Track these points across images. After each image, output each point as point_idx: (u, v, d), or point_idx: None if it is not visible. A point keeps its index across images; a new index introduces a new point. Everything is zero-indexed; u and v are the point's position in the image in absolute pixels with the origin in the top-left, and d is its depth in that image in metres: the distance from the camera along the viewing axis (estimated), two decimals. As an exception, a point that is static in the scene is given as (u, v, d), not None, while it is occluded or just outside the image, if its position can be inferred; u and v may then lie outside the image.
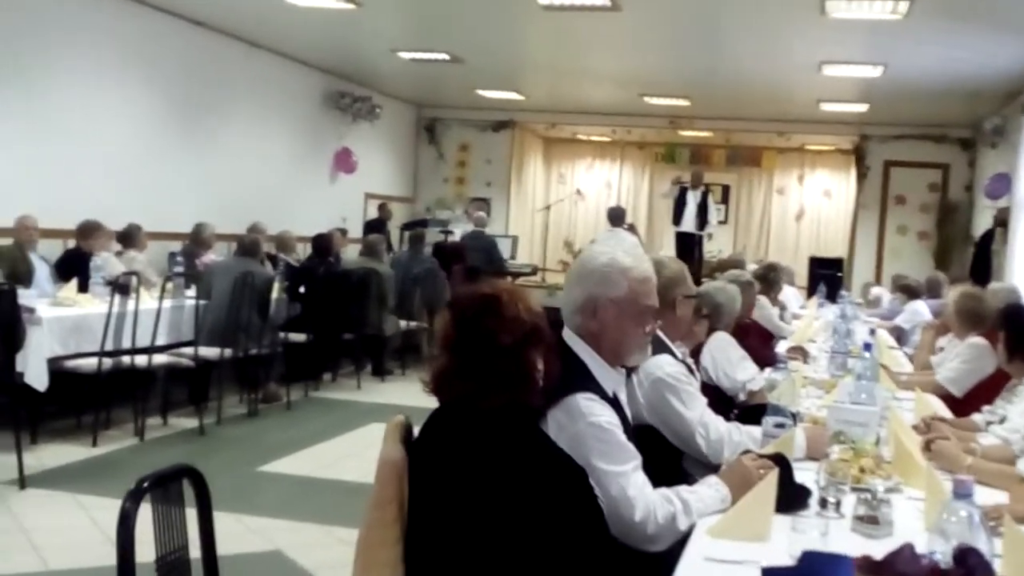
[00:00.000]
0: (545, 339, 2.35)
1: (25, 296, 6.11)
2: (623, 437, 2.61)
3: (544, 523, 2.17)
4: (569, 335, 2.76)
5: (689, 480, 3.26)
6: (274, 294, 8.15)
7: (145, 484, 1.91)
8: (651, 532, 2.52)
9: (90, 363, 6.53)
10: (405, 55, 11.59)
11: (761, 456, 2.83)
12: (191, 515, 2.19)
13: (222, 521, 5.16)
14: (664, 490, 2.61)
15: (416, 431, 2.38)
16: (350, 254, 11.54)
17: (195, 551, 2.23)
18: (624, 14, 8.72)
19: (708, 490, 2.66)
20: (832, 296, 10.61)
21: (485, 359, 2.26)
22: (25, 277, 7.17)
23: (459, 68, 12.19)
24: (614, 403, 2.70)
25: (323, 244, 10.06)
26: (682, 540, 2.49)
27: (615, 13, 8.71)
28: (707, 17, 9.07)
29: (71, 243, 8.20)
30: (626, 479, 2.53)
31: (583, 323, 2.72)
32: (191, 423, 7.29)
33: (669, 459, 3.27)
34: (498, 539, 2.16)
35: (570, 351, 2.72)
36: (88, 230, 7.95)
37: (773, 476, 2.56)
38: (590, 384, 2.65)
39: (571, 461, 2.32)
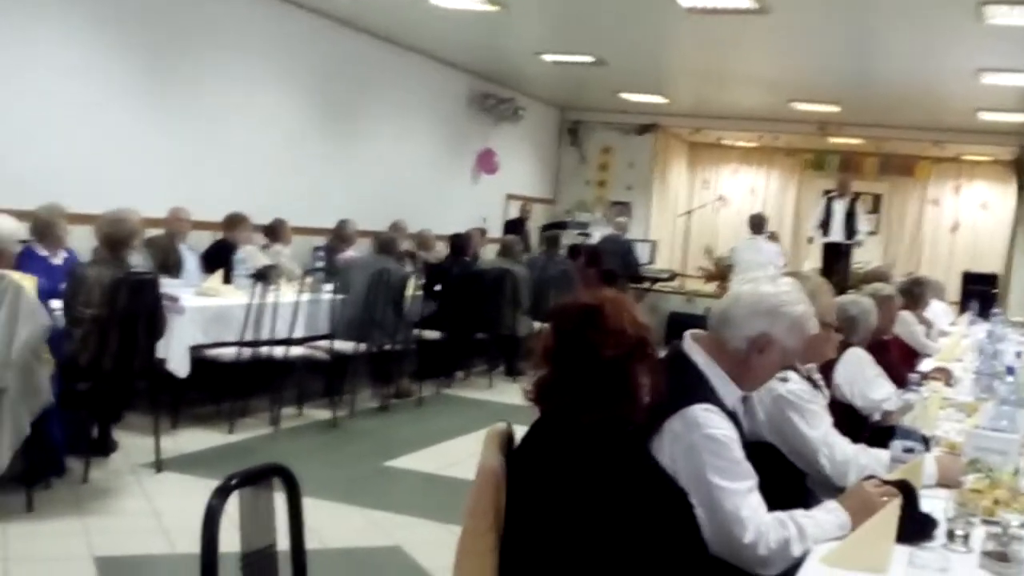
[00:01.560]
0: (651, 354, 2.28)
1: (170, 285, 6.33)
2: (740, 453, 2.53)
3: (639, 543, 2.11)
4: (691, 346, 2.71)
5: (813, 500, 3.15)
6: (409, 291, 8.26)
7: (233, 482, 1.91)
8: (762, 555, 2.43)
9: (230, 352, 6.73)
10: (548, 57, 11.60)
11: (886, 483, 2.69)
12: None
13: (346, 513, 5.32)
14: (780, 513, 2.51)
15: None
16: (489, 254, 11.61)
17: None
18: (771, 16, 8.52)
19: (826, 515, 2.55)
20: (984, 313, 10.13)
21: (586, 372, 2.20)
22: (174, 267, 7.46)
23: (602, 71, 12.13)
24: (732, 418, 2.63)
25: (460, 243, 10.14)
26: (794, 565, 2.39)
27: (762, 16, 8.52)
28: (858, 20, 8.79)
29: (220, 235, 8.47)
30: (741, 498, 2.45)
31: (744, 351, 2.68)
32: (324, 415, 7.44)
33: (790, 478, 3.16)
34: (591, 555, 2.11)
35: (690, 362, 2.68)
36: (233, 222, 8.24)
37: (895, 504, 2.43)
38: (710, 396, 2.59)
39: (671, 481, 2.25)
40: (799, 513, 2.54)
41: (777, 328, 2.68)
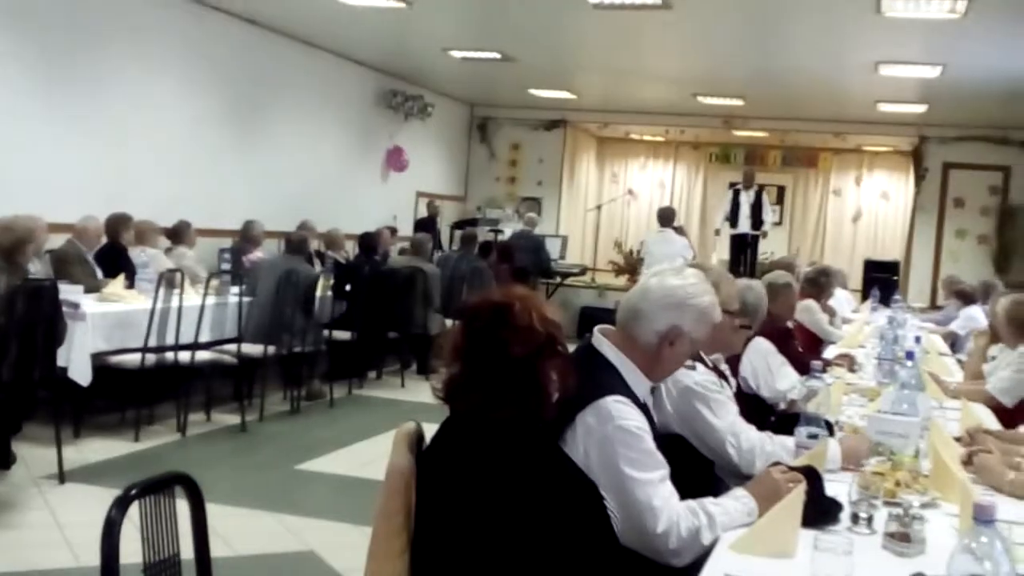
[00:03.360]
0: (560, 351, 2.28)
1: (70, 291, 6.15)
2: (652, 444, 2.56)
3: (551, 537, 2.11)
4: (600, 340, 2.74)
5: (722, 488, 3.18)
6: (319, 292, 8.17)
7: (133, 492, 1.87)
8: (673, 546, 2.45)
9: (134, 358, 6.57)
10: (457, 54, 11.58)
11: (791, 469, 2.74)
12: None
13: (258, 519, 5.23)
14: (690, 502, 2.54)
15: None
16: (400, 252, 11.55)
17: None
18: (675, 12, 8.62)
19: (734, 503, 2.58)
20: (886, 300, 10.40)
21: (496, 370, 2.19)
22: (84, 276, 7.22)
23: (511, 67, 12.15)
24: (643, 410, 2.65)
25: (370, 242, 10.07)
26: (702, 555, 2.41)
27: (666, 11, 8.61)
28: (760, 15, 8.94)
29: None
30: (652, 488, 2.47)
31: (655, 344, 2.70)
32: (233, 419, 7.32)
33: (699, 469, 3.19)
34: (503, 553, 2.11)
35: (600, 356, 2.70)
36: (116, 223, 7.78)
37: (800, 490, 2.47)
38: (621, 388, 2.61)
39: (582, 475, 2.26)
40: (708, 501, 2.57)
41: (686, 320, 2.71)
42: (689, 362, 3.12)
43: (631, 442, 2.49)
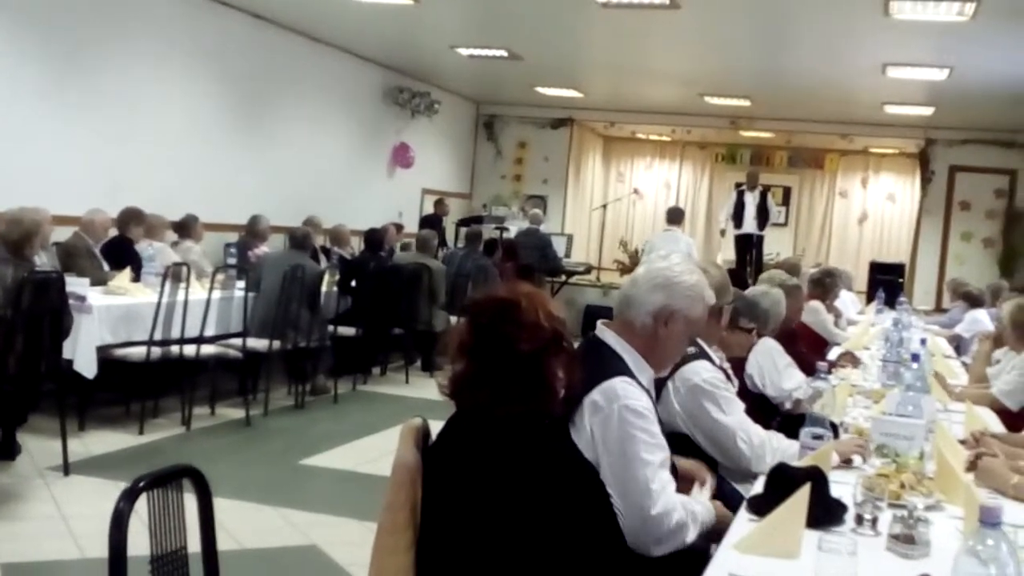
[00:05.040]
0: (566, 347, 2.29)
1: (76, 284, 6.16)
2: (657, 427, 2.60)
3: (557, 533, 2.12)
4: (603, 331, 2.80)
5: (725, 487, 3.20)
6: (324, 287, 8.18)
7: (141, 484, 1.87)
8: (662, 532, 2.49)
9: (139, 352, 6.59)
10: (464, 51, 11.57)
11: (797, 469, 2.75)
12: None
13: (262, 513, 5.24)
14: (681, 496, 2.59)
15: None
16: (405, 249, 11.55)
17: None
18: (683, 12, 8.61)
19: (702, 508, 2.66)
20: (891, 302, 10.38)
21: (502, 366, 2.20)
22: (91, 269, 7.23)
23: (518, 65, 12.14)
24: (647, 394, 2.70)
25: (375, 238, 10.07)
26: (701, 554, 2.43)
27: (674, 11, 8.61)
28: (768, 17, 8.94)
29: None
30: (653, 471, 2.51)
31: (651, 326, 2.75)
32: (238, 414, 7.32)
33: (703, 467, 3.21)
34: (509, 549, 2.11)
35: (604, 345, 2.75)
36: (127, 218, 7.84)
37: (805, 491, 2.48)
38: (627, 371, 2.66)
39: (589, 471, 2.26)
40: (687, 500, 2.62)
41: (676, 298, 2.76)
42: (692, 349, 3.15)
43: (637, 422, 2.54)
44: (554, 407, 2.29)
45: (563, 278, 13.70)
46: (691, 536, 2.50)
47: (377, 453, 6.56)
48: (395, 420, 7.74)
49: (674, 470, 2.70)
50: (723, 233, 14.72)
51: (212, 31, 9.72)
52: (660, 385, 3.15)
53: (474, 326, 2.26)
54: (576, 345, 2.48)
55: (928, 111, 12.96)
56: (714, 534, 2.63)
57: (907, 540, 2.40)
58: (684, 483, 2.81)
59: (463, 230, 12.70)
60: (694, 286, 2.79)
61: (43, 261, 6.25)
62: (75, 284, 6.13)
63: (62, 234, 7.27)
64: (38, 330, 5.26)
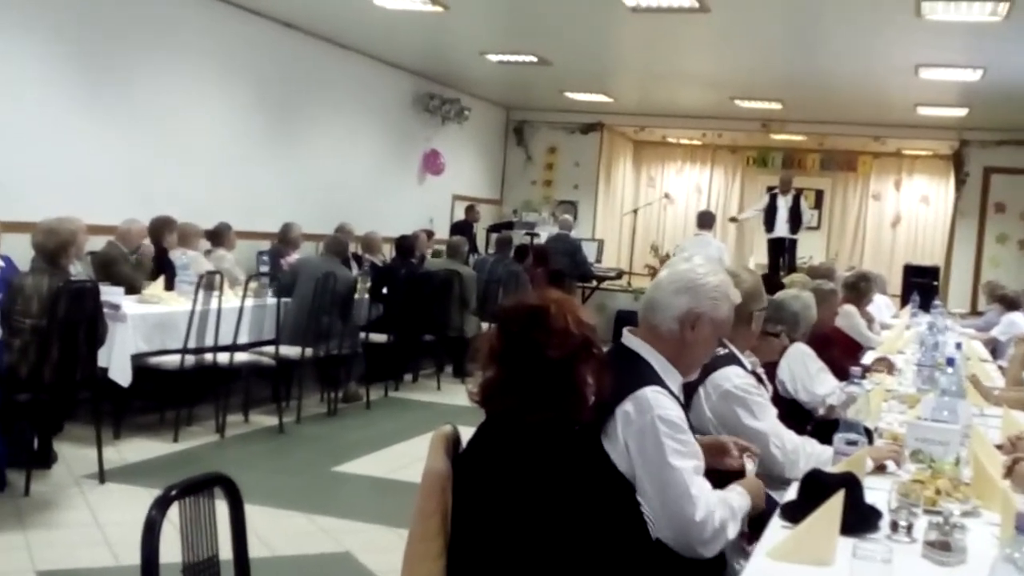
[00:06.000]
0: (596, 353, 2.28)
1: (111, 293, 6.22)
2: (690, 434, 2.59)
3: (587, 542, 2.11)
4: (630, 338, 2.77)
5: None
6: (356, 295, 8.20)
7: (173, 492, 1.88)
8: (708, 535, 2.47)
9: (174, 360, 6.64)
10: (493, 57, 11.59)
11: (831, 475, 2.72)
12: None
13: (294, 520, 5.26)
14: (718, 492, 2.58)
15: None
16: (437, 255, 11.59)
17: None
18: (713, 15, 8.58)
19: (738, 497, 2.64)
20: (926, 306, 10.29)
21: (532, 373, 2.20)
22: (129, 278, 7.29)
23: (547, 70, 12.14)
24: (678, 402, 2.67)
25: (406, 245, 10.09)
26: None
27: (703, 14, 8.58)
28: (799, 18, 8.89)
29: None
30: (690, 477, 2.49)
31: (677, 331, 2.72)
32: (271, 421, 7.36)
33: (734, 474, 3.18)
34: (540, 557, 2.11)
35: (632, 352, 2.73)
36: (159, 226, 7.89)
37: (839, 497, 2.46)
38: (657, 380, 2.64)
39: (618, 478, 2.25)
40: (726, 494, 2.61)
41: (701, 301, 2.73)
42: (721, 350, 3.13)
43: (670, 431, 2.51)
44: (584, 413, 2.28)
45: (594, 283, 13.68)
46: (733, 532, 2.49)
47: (409, 460, 6.58)
48: (427, 427, 7.73)
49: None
50: (733, 220, 14.71)
51: (243, 40, 9.79)
52: (691, 390, 3.14)
53: (504, 333, 2.26)
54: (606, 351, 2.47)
55: (962, 112, 12.83)
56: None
57: (943, 547, 2.37)
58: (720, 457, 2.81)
59: (494, 236, 12.71)
60: (718, 287, 2.76)
61: (78, 270, 6.32)
62: (110, 293, 6.19)
63: (94, 244, 7.34)
64: (74, 339, 5.32)
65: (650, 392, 2.54)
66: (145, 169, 8.63)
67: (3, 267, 6.31)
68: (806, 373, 4.65)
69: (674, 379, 2.72)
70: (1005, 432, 3.84)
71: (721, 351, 3.22)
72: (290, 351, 7.50)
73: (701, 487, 2.50)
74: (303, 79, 10.82)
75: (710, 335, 2.77)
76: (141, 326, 6.47)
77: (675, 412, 2.55)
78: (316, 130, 11.16)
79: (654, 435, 2.48)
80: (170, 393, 6.83)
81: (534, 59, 11.52)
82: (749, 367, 3.40)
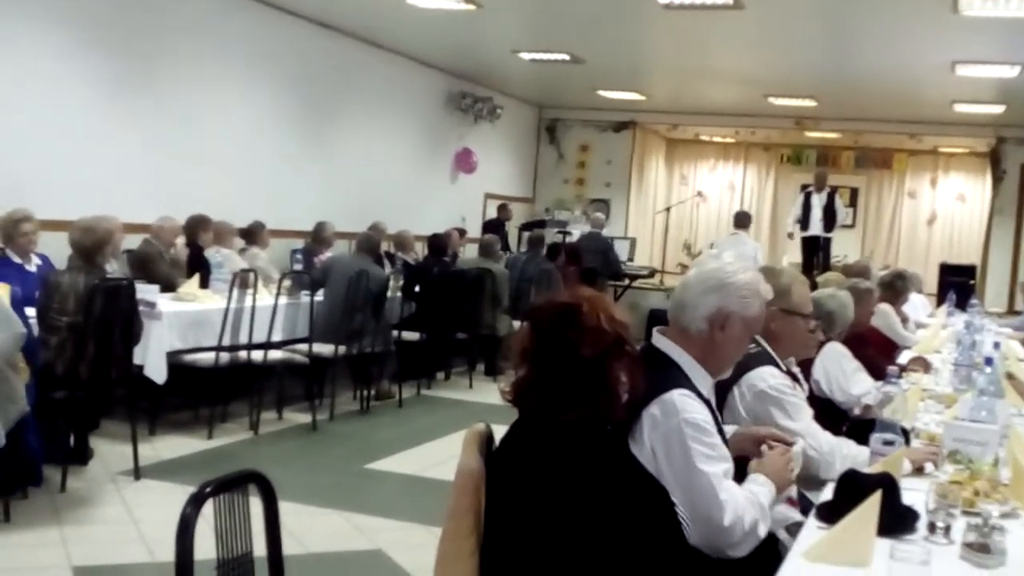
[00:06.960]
0: (629, 351, 2.26)
1: (146, 291, 6.27)
2: (718, 437, 2.56)
3: (621, 540, 2.10)
4: (659, 339, 2.74)
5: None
6: (389, 293, 8.23)
7: (208, 489, 1.89)
8: (737, 539, 2.44)
9: (208, 357, 6.68)
10: (525, 56, 11.59)
11: (867, 476, 2.69)
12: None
13: (328, 518, 5.28)
14: (746, 493, 2.55)
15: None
16: (469, 253, 11.59)
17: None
18: (747, 12, 8.54)
19: (763, 489, 2.61)
20: (962, 305, 10.17)
21: (565, 371, 2.19)
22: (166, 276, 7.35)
23: (579, 69, 12.13)
24: (707, 405, 2.64)
25: (438, 243, 10.11)
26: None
27: (738, 11, 8.53)
28: (833, 15, 8.82)
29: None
30: (719, 481, 2.46)
31: (707, 331, 2.68)
32: (304, 418, 7.39)
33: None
34: (573, 555, 2.10)
35: (661, 353, 2.70)
36: (196, 225, 7.96)
37: (876, 498, 2.43)
38: (685, 383, 2.60)
39: (651, 479, 2.24)
40: (753, 491, 2.58)
41: (730, 300, 2.69)
42: (753, 347, 3.11)
43: (698, 436, 2.48)
44: (617, 412, 2.27)
45: (626, 282, 13.63)
46: (764, 530, 2.47)
47: (442, 457, 6.58)
48: (459, 425, 7.74)
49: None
50: (791, 236, 14.50)
51: (275, 39, 9.84)
52: (725, 389, 3.11)
53: (536, 331, 2.25)
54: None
55: (999, 109, 12.69)
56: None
57: (982, 549, 2.34)
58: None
59: (526, 234, 12.70)
60: (748, 284, 2.72)
61: (114, 268, 6.37)
62: (145, 291, 6.23)
63: (130, 242, 7.40)
64: (109, 336, 5.36)
65: (677, 395, 2.51)
66: (179, 168, 8.70)
67: (40, 265, 6.37)
68: (840, 373, 4.61)
69: (704, 380, 2.68)
70: (1044, 433, 3.79)
71: (754, 349, 3.19)
72: (323, 349, 7.53)
73: (730, 490, 2.47)
74: (336, 78, 10.86)
75: (741, 333, 2.73)
76: (176, 324, 6.51)
77: (702, 415, 2.52)
78: (349, 129, 11.20)
79: (680, 439, 2.45)
80: (204, 390, 6.87)
81: (566, 57, 11.51)
82: (784, 367, 3.38)
